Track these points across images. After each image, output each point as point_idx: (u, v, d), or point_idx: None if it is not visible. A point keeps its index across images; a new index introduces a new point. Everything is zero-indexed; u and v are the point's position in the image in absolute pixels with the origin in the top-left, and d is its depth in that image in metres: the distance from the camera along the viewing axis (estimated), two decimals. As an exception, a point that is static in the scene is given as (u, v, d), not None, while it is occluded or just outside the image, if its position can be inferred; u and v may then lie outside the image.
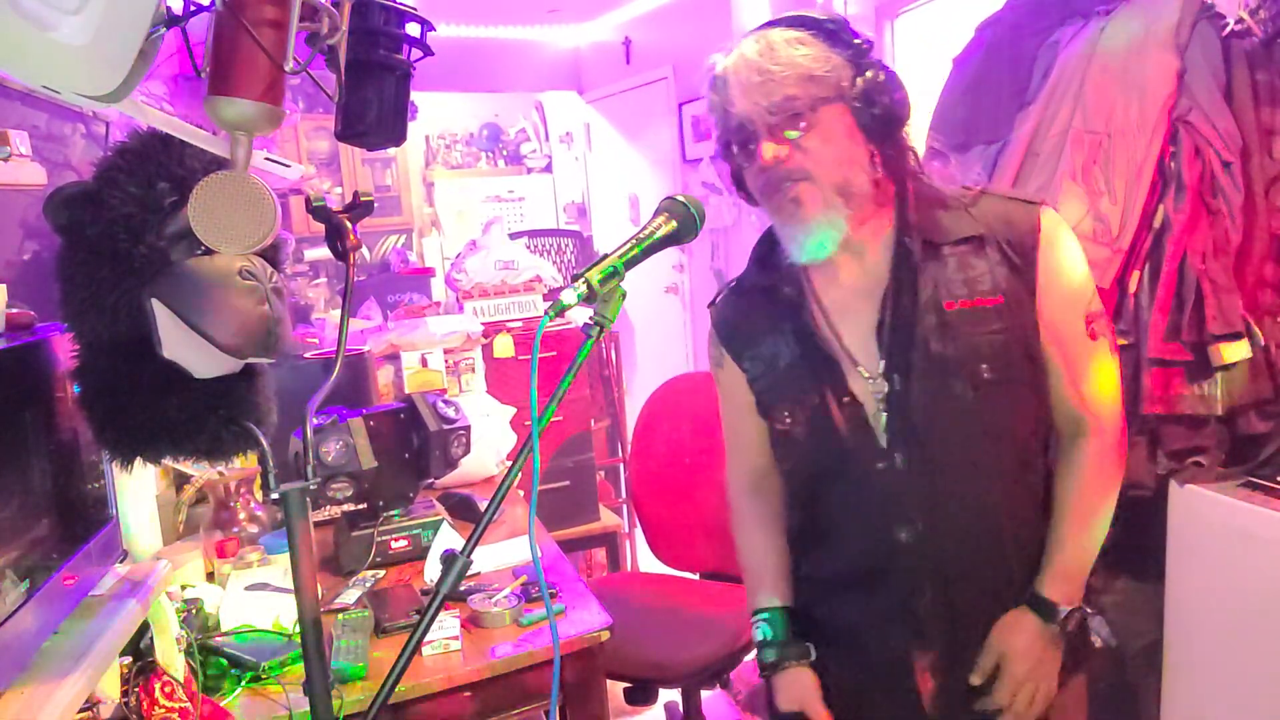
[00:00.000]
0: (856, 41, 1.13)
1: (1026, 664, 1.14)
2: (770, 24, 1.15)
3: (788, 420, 1.23)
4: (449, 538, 1.92)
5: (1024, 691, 1.15)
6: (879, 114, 1.11)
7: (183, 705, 1.25)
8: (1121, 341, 1.90)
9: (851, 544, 1.23)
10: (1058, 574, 1.16)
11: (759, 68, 1.09)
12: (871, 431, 1.16)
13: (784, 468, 1.30)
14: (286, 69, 0.83)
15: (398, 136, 0.98)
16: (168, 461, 1.17)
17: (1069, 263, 1.15)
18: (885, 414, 1.15)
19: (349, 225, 1.02)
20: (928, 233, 1.14)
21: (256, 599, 1.66)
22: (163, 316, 1.07)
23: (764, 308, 1.25)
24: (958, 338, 1.11)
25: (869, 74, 1.11)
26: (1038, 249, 1.12)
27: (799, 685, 1.24)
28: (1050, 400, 1.18)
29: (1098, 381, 1.16)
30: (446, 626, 1.55)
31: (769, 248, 1.24)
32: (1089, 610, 1.16)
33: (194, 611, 1.58)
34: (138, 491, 1.73)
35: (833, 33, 1.13)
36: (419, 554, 1.93)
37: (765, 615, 1.29)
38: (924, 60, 2.91)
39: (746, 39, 1.13)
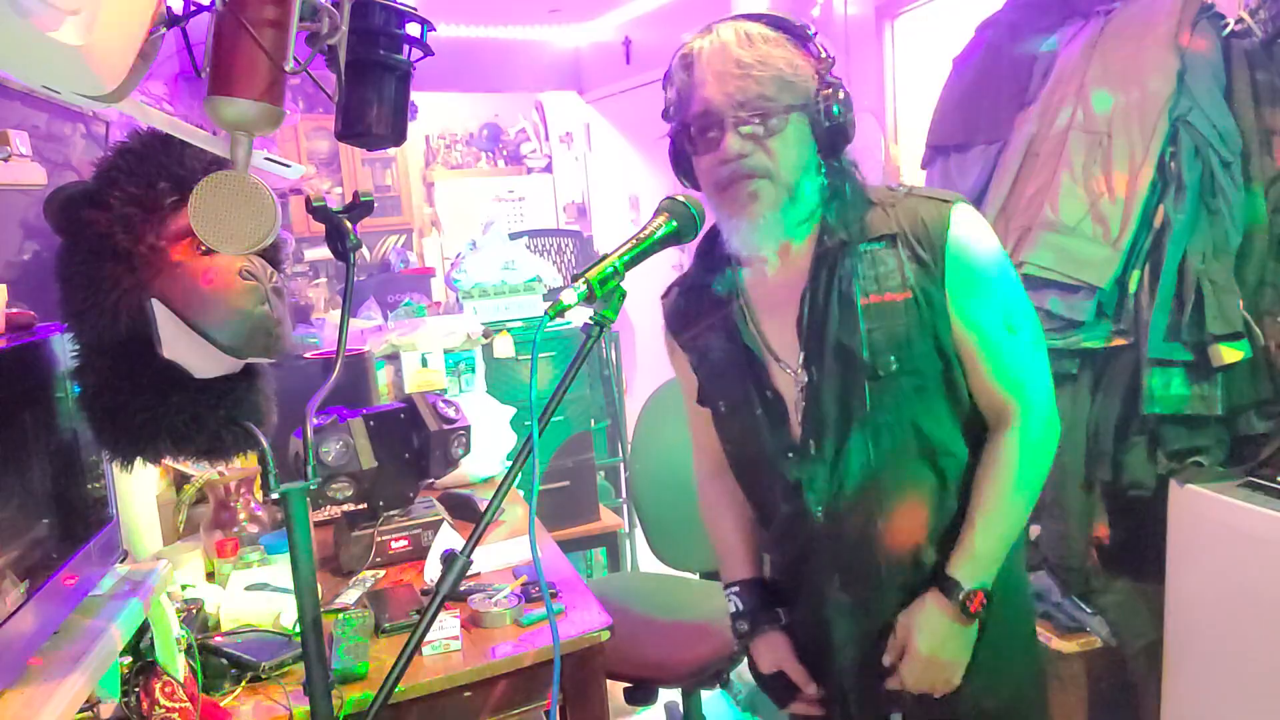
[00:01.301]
0: (824, 55, 1.16)
1: (928, 641, 1.17)
2: (747, 16, 1.16)
3: (723, 409, 1.31)
4: (449, 538, 1.92)
5: (927, 669, 1.18)
6: (834, 129, 1.15)
7: (183, 705, 1.25)
8: (1121, 341, 1.91)
9: (779, 526, 1.30)
10: (964, 554, 1.18)
11: (738, 60, 1.10)
12: (789, 424, 1.22)
13: (725, 450, 1.37)
14: (286, 69, 0.83)
15: (398, 136, 0.98)
16: (168, 461, 1.17)
17: (981, 258, 1.16)
18: (804, 404, 1.20)
19: (349, 225, 1.01)
20: (847, 232, 1.17)
21: (256, 599, 1.66)
22: (163, 316, 1.07)
23: (703, 302, 1.30)
24: (868, 331, 1.15)
25: (831, 90, 1.14)
26: (945, 245, 1.14)
27: (775, 647, 1.32)
28: (970, 393, 1.20)
29: (1018, 373, 1.18)
30: (446, 626, 1.55)
31: (709, 245, 1.29)
32: (990, 593, 1.18)
33: (194, 611, 1.58)
34: (138, 491, 1.73)
35: (806, 41, 1.15)
36: (419, 554, 1.93)
37: (734, 588, 1.37)
38: (924, 60, 2.91)
39: (724, 24, 1.14)
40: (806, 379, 1.19)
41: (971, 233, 1.16)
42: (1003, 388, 1.18)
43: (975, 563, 1.18)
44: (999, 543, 1.19)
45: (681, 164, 1.24)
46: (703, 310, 1.30)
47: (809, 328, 1.18)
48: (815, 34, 1.18)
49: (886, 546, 1.21)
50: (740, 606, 1.35)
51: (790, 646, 1.32)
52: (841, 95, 1.15)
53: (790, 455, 1.22)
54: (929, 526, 1.21)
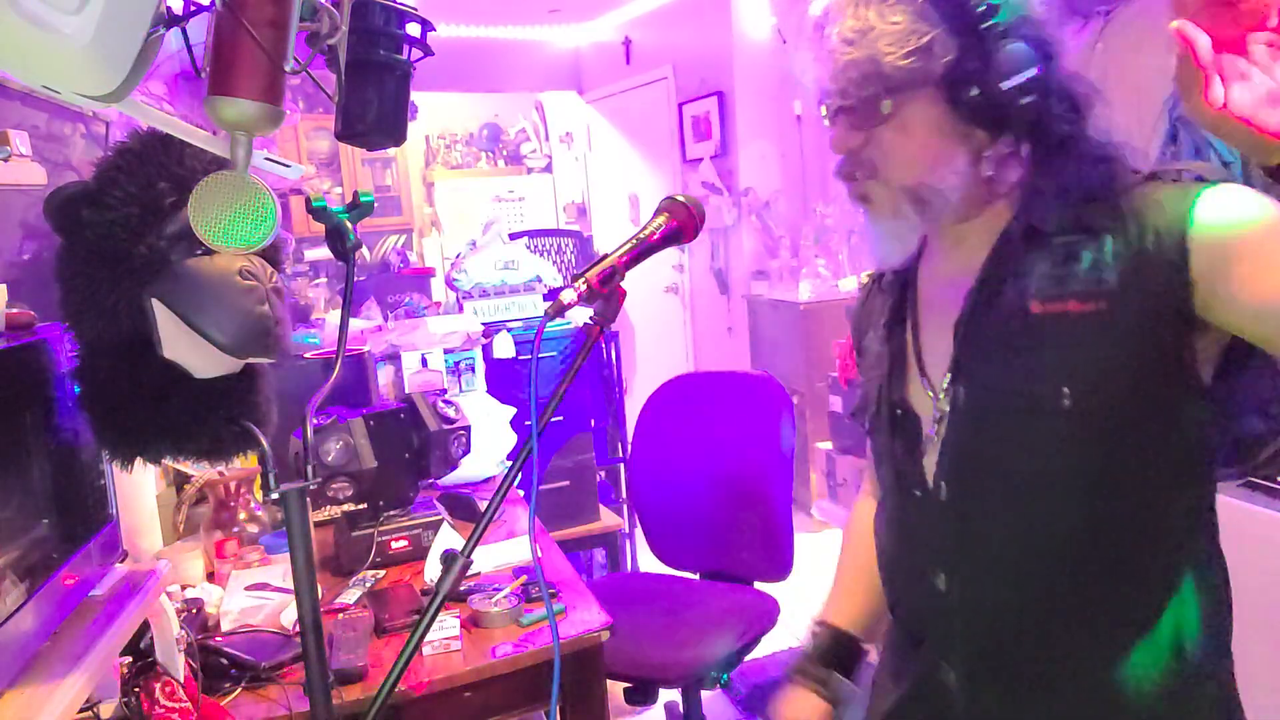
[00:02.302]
0: (972, 3, 0.86)
1: None
2: None
3: (866, 423, 1.09)
4: (449, 538, 1.92)
5: None
6: (985, 96, 0.86)
7: (183, 705, 1.25)
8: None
9: (895, 579, 1.07)
10: None
11: (838, 33, 0.88)
12: (919, 451, 0.98)
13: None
14: (286, 69, 0.83)
15: (398, 136, 0.98)
16: (168, 461, 1.17)
17: (1250, 217, 0.80)
18: (942, 435, 0.95)
19: (349, 225, 1.02)
20: (1040, 221, 0.89)
21: (256, 599, 1.66)
22: (163, 316, 1.07)
23: (880, 295, 1.10)
24: (1037, 348, 0.87)
25: (977, 47, 0.85)
26: (1188, 231, 0.80)
27: (795, 706, 1.12)
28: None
29: None
30: (446, 626, 1.55)
31: None
32: None
33: (194, 611, 1.59)
34: (138, 491, 1.73)
35: None
36: (419, 554, 1.93)
37: (816, 627, 1.17)
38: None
39: None
40: (949, 404, 0.94)
41: (1227, 201, 0.81)
42: None
43: None
44: None
45: None
46: (877, 304, 1.10)
47: (966, 337, 0.92)
48: None
49: (1026, 649, 0.93)
50: (809, 648, 1.14)
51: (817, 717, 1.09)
52: (994, 51, 0.85)
53: (917, 494, 0.97)
54: (1098, 631, 0.90)
